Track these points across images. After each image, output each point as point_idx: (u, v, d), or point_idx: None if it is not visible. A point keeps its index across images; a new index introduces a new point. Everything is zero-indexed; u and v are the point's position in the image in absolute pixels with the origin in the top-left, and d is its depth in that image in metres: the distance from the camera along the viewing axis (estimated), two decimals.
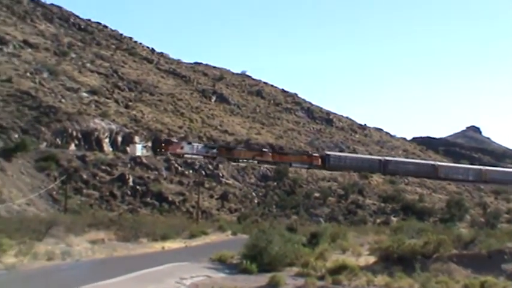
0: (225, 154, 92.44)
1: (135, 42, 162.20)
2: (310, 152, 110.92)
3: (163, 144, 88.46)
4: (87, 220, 47.29)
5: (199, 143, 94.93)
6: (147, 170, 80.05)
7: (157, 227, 46.74)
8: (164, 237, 43.65)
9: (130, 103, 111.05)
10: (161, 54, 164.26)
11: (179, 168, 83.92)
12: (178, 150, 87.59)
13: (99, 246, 34.70)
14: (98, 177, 73.45)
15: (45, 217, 45.39)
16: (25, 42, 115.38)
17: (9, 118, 77.44)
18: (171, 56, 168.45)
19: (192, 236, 48.82)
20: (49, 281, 20.68)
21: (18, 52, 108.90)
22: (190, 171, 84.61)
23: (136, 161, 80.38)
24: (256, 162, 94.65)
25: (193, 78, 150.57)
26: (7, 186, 60.54)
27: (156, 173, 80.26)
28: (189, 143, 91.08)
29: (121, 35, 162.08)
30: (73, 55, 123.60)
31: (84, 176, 72.38)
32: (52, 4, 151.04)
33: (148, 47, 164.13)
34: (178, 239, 45.94)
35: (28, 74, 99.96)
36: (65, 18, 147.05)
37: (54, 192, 65.81)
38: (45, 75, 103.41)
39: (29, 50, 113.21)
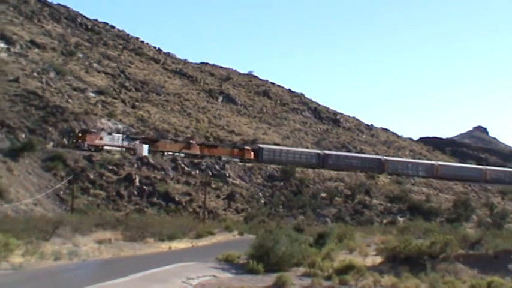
0: (149, 146, 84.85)
1: (142, 42, 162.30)
2: (241, 145, 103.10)
3: (80, 135, 79.89)
4: (93, 220, 47.39)
5: (122, 133, 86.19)
6: (153, 170, 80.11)
7: (164, 227, 46.83)
8: (171, 237, 43.73)
9: (137, 103, 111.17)
10: (168, 54, 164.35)
11: (186, 168, 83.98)
12: (97, 141, 79.49)
13: (105, 246, 34.78)
14: (104, 177, 73.54)
15: (52, 217, 45.51)
16: (32, 42, 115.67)
17: (17, 118, 77.69)
18: (178, 56, 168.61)
19: (199, 236, 48.93)
20: (56, 280, 20.73)
21: (25, 52, 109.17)
22: (197, 172, 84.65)
23: (143, 161, 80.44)
24: (182, 155, 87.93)
25: (200, 78, 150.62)
26: (14, 186, 60.71)
27: (163, 173, 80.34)
28: (109, 134, 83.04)
29: (128, 35, 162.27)
30: (80, 55, 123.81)
31: (91, 176, 72.48)
32: (59, 4, 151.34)
33: (155, 47, 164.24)
34: (185, 239, 46.03)
35: (35, 74, 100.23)
36: (72, 18, 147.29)
37: (61, 192, 65.93)
38: (52, 75, 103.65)
39: (36, 50, 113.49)
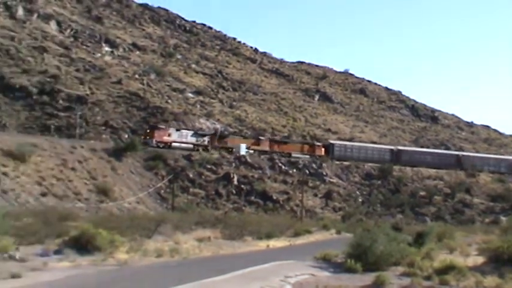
0: (218, 143, 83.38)
1: (239, 42, 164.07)
2: (312, 141, 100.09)
3: (148, 131, 78.24)
4: (193, 218, 48.18)
5: (189, 129, 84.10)
6: (251, 169, 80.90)
7: (262, 226, 47.15)
8: (269, 236, 44.01)
9: (234, 103, 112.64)
10: (264, 54, 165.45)
11: (283, 167, 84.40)
12: (166, 138, 77.41)
13: (205, 244, 35.33)
14: (203, 176, 74.80)
15: (154, 215, 46.72)
16: (134, 44, 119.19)
17: (119, 119, 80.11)
18: (274, 55, 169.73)
19: (296, 235, 49.00)
20: (158, 276, 21.37)
21: (127, 55, 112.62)
22: (294, 170, 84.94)
23: (240, 160, 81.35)
24: (252, 151, 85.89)
25: (297, 77, 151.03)
26: (118, 185, 62.74)
27: (260, 172, 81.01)
28: (178, 130, 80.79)
29: (225, 35, 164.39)
30: (179, 56, 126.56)
31: (191, 175, 73.87)
32: (159, 7, 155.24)
33: (251, 47, 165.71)
34: (282, 237, 46.18)
35: (137, 76, 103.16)
36: (171, 20, 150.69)
37: (162, 191, 67.54)
38: (152, 76, 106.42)
39: (137, 52, 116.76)
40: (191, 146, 79.28)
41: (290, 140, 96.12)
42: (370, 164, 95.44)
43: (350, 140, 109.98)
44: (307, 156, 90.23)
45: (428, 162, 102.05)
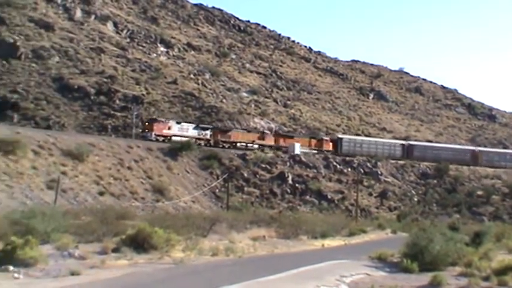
0: (220, 136, 79.70)
1: (293, 41, 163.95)
2: (319, 135, 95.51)
3: (147, 124, 75.29)
4: (248, 217, 48.42)
5: (190, 122, 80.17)
6: (305, 168, 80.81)
7: (317, 225, 47.10)
8: (324, 235, 43.96)
9: (288, 102, 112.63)
10: (318, 53, 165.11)
11: (338, 166, 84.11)
12: (165, 131, 73.87)
13: (260, 243, 35.45)
14: (258, 176, 75.00)
15: (209, 214, 47.06)
16: (189, 45, 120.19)
17: (175, 118, 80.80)
18: (328, 54, 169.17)
19: (352, 234, 48.86)
20: (214, 275, 21.53)
21: (182, 55, 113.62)
22: (349, 169, 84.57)
23: (295, 159, 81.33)
24: (256, 146, 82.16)
25: (351, 76, 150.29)
26: (173, 184, 63.48)
27: (315, 171, 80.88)
28: (178, 123, 76.93)
29: (279, 35, 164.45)
30: (233, 56, 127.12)
31: (245, 174, 74.15)
32: (214, 7, 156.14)
33: (305, 46, 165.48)
34: (337, 236, 46.09)
35: (191, 76, 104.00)
36: (225, 20, 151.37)
37: (217, 190, 68.01)
38: (207, 76, 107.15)
39: (192, 52, 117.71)
40: (193, 140, 75.58)
41: (296, 134, 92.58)
42: (425, 163, 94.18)
43: (405, 139, 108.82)
44: (315, 151, 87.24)
45: (441, 158, 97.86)
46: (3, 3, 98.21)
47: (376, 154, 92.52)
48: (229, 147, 78.50)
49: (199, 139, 76.74)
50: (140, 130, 76.01)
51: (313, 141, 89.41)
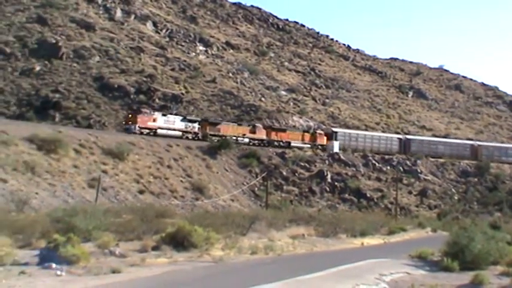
0: (209, 130, 74.25)
1: (332, 39, 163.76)
2: (313, 130, 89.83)
3: (130, 116, 69.38)
4: (287, 216, 48.46)
5: (176, 114, 75.58)
6: (344, 166, 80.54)
7: (356, 223, 46.95)
8: (363, 234, 43.82)
9: (327, 100, 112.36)
10: (357, 50, 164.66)
11: (377, 164, 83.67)
12: (150, 124, 68.22)
13: (299, 242, 35.48)
14: (297, 174, 74.94)
15: (248, 212, 47.22)
16: (227, 43, 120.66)
17: (214, 117, 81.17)
18: (367, 52, 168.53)
19: (391, 233, 48.62)
20: (254, 273, 21.61)
21: (221, 53, 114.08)
22: (388, 168, 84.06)
23: (334, 157, 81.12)
24: (247, 140, 77.33)
25: (390, 74, 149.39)
26: (213, 183, 63.77)
27: (354, 169, 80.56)
28: (164, 115, 71.81)
29: (318, 33, 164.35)
30: (272, 54, 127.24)
31: (284, 173, 74.15)
32: (252, 6, 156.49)
33: (344, 44, 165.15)
34: (377, 235, 45.92)
35: (230, 74, 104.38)
36: (264, 19, 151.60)
37: (256, 189, 68.11)
38: (246, 74, 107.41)
39: (231, 51, 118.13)
40: (179, 133, 71.16)
41: (289, 128, 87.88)
42: (466, 161, 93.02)
43: (445, 136, 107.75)
44: (308, 146, 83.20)
45: (440, 153, 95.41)
46: (45, 4, 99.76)
47: (371, 148, 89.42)
48: (218, 141, 73.43)
49: (187, 132, 72.14)
50: (123, 123, 71.08)
51: (307, 136, 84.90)
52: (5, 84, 79.71)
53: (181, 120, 72.36)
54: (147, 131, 67.47)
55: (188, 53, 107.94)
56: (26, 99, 77.91)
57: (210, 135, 73.64)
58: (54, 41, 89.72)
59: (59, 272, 19.45)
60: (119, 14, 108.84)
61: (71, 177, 49.45)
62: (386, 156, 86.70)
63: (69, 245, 21.52)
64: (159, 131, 68.76)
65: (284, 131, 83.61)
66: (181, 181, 60.76)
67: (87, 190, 48.12)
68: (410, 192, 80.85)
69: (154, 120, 68.87)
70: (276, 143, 79.73)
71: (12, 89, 79.43)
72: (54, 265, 20.19)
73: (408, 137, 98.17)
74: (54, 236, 22.59)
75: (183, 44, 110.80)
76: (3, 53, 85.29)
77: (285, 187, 72.46)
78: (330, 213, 58.27)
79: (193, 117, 76.11)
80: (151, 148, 63.21)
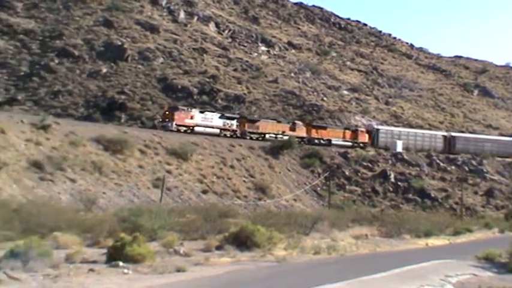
0: (247, 127, 72.82)
1: (394, 38, 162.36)
2: (355, 127, 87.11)
3: (167, 113, 68.27)
4: (350, 216, 48.37)
5: (215, 112, 74.06)
6: (408, 166, 79.73)
7: (420, 224, 46.55)
8: (427, 234, 43.44)
9: (390, 99, 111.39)
10: (420, 49, 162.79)
11: (441, 164, 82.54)
12: (188, 121, 66.86)
13: (362, 242, 35.38)
14: (359, 174, 74.60)
15: (311, 212, 47.29)
16: (289, 43, 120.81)
17: (276, 117, 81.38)
18: (431, 50, 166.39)
19: (456, 233, 48.03)
20: (317, 273, 21.66)
21: (283, 53, 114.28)
22: (453, 167, 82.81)
23: (397, 157, 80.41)
24: (286, 137, 74.71)
25: (454, 72, 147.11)
26: (275, 183, 64.02)
27: (418, 169, 79.66)
28: (202, 112, 70.31)
29: (380, 32, 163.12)
30: (334, 54, 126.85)
31: (347, 173, 73.89)
32: (314, 5, 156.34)
33: (407, 43, 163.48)
34: (441, 235, 45.43)
35: (292, 74, 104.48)
36: (325, 18, 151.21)
37: (319, 188, 68.06)
38: (307, 74, 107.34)
39: (293, 51, 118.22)
40: (217, 130, 69.77)
41: (329, 125, 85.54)
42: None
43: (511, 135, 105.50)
44: (349, 143, 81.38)
45: (485, 150, 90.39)
46: (112, 7, 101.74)
47: (415, 146, 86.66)
48: (257, 139, 72.98)
49: (225, 129, 70.85)
50: (160, 119, 70.49)
51: (348, 133, 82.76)
52: (74, 86, 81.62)
53: (220, 118, 71.19)
54: (184, 128, 66.49)
55: (250, 54, 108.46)
56: (93, 101, 79.66)
57: (249, 132, 72.70)
58: (119, 44, 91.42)
59: (125, 271, 19.92)
60: (182, 15, 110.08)
61: (136, 177, 50.43)
62: (451, 156, 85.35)
63: (135, 244, 21.99)
64: (196, 128, 67.70)
65: (325, 128, 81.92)
66: (244, 181, 61.21)
67: (152, 190, 49.00)
68: (476, 193, 79.43)
69: (191, 118, 67.80)
70: (316, 141, 78.33)
71: (80, 90, 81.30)
72: (121, 263, 20.68)
73: (453, 134, 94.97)
74: (120, 235, 23.11)
75: (245, 44, 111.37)
76: (72, 56, 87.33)
77: (347, 187, 72.22)
78: (394, 213, 57.78)
79: (231, 115, 75.05)
80: (214, 148, 63.85)
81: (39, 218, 26.75)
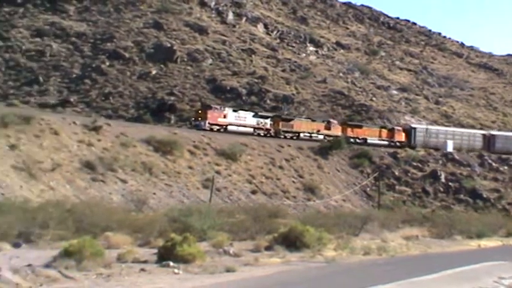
0: (282, 126, 71.19)
1: (444, 37, 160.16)
2: (391, 126, 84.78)
3: (200, 112, 67.21)
4: (400, 216, 48.03)
5: (248, 110, 72.75)
6: (459, 166, 78.57)
7: (472, 225, 45.94)
8: (479, 235, 42.87)
9: (440, 99, 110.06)
10: (471, 48, 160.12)
11: (493, 164, 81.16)
12: (221, 120, 65.72)
13: (413, 243, 35.16)
14: (409, 174, 73.88)
15: (360, 213, 47.08)
16: (338, 43, 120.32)
17: (324, 117, 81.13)
18: (482, 49, 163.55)
19: (510, 235, 47.33)
20: (367, 274, 21.59)
21: (331, 54, 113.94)
22: (505, 167, 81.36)
23: (447, 157, 79.36)
24: (321, 136, 73.39)
25: (507, 71, 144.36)
26: (324, 183, 63.87)
27: (469, 169, 78.43)
28: (235, 111, 69.29)
29: (429, 31, 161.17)
30: (383, 54, 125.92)
31: (396, 173, 73.27)
32: (362, 5, 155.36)
33: (457, 42, 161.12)
34: (494, 237, 44.78)
35: (341, 74, 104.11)
36: (374, 18, 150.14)
37: (368, 189, 67.60)
38: (356, 74, 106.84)
39: (341, 51, 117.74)
40: (251, 129, 68.44)
41: (365, 124, 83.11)
42: None
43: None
44: (385, 142, 79.34)
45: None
46: (161, 9, 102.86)
47: (454, 145, 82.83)
48: (291, 138, 71.67)
49: (258, 128, 69.59)
50: (193, 118, 69.00)
51: (384, 132, 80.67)
52: (124, 88, 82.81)
53: (253, 116, 70.29)
54: (217, 127, 65.58)
55: (299, 54, 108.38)
56: (143, 102, 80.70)
57: (283, 131, 71.47)
58: (169, 45, 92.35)
59: (176, 270, 20.14)
60: (230, 17, 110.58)
61: (186, 177, 50.92)
62: (504, 156, 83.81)
63: (185, 244, 22.21)
64: (229, 127, 66.75)
65: (360, 127, 80.00)
66: (293, 181, 61.24)
67: (202, 190, 49.43)
68: None
69: (224, 116, 66.74)
70: (351, 140, 76.44)
71: (131, 92, 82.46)
72: (171, 263, 20.91)
73: (492, 132, 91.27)
74: (171, 235, 23.37)
75: (294, 45, 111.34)
76: (123, 58, 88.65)
77: (397, 187, 71.57)
78: (445, 214, 57.10)
79: (265, 114, 74.09)
80: (263, 149, 64.01)
81: (91, 218, 27.31)
